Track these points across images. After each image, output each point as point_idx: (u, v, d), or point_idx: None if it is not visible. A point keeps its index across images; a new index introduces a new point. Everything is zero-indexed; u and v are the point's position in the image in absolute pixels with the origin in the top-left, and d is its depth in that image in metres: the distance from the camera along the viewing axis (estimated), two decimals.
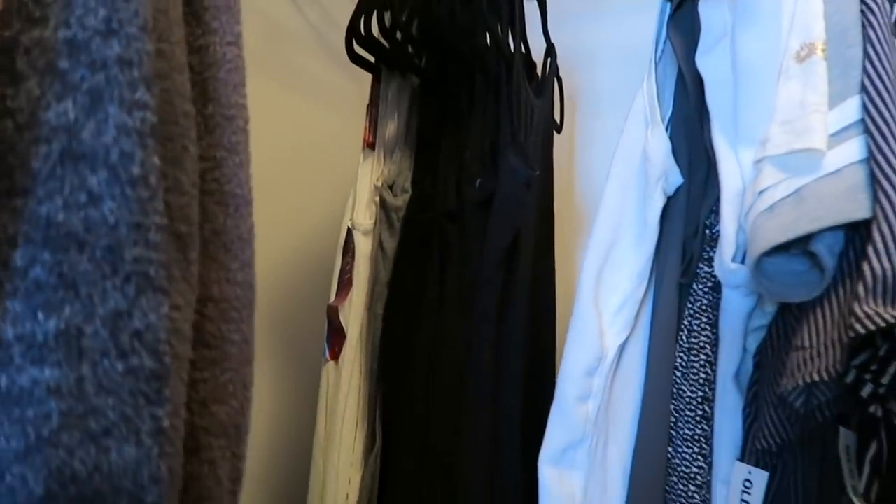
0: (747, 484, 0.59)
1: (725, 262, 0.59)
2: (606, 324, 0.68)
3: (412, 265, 0.93)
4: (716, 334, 0.63)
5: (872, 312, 0.45)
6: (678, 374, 0.65)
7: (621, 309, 0.68)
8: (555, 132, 1.08)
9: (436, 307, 0.92)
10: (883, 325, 0.45)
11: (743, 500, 0.59)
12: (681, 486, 0.63)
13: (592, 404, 0.68)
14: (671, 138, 0.70)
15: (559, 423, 0.69)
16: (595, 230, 0.71)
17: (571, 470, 0.68)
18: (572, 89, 1.20)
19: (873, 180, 0.50)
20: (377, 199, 0.95)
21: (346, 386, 0.94)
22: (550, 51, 1.04)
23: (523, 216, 0.92)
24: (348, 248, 0.97)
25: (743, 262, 0.58)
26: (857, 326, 0.45)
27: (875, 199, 0.49)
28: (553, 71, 1.04)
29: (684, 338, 0.65)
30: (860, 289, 0.46)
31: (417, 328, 0.92)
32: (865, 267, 0.46)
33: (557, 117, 1.13)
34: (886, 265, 0.46)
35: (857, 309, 0.46)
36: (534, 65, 1.05)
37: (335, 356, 0.95)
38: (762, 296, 0.61)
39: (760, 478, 0.58)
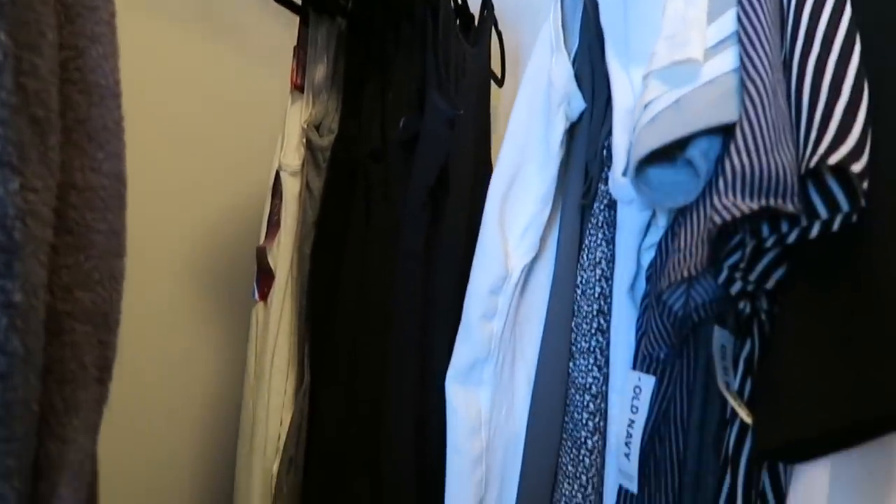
0: (637, 390, 0.61)
1: (617, 176, 0.61)
2: (512, 246, 0.70)
3: (338, 205, 0.94)
4: (612, 250, 0.65)
5: (730, 204, 0.47)
6: (578, 291, 0.67)
7: (526, 232, 0.70)
8: (496, 84, 1.09)
9: (361, 246, 0.93)
10: (738, 215, 0.47)
11: (633, 406, 0.61)
12: (577, 397, 0.65)
13: (497, 323, 0.70)
14: (576, 64, 0.71)
15: (465, 340, 0.71)
16: (501, 155, 0.73)
17: (478, 387, 0.70)
18: (518, 44, 1.21)
19: (742, 86, 0.52)
20: (304, 140, 0.95)
21: (274, 326, 0.95)
22: (487, 2, 1.05)
23: (449, 155, 0.93)
24: (276, 190, 0.98)
25: None
26: (716, 217, 0.47)
27: (741, 103, 0.51)
28: (489, 20, 1.05)
29: (584, 256, 0.67)
30: (720, 183, 0.48)
31: (344, 267, 0.94)
32: (726, 163, 0.48)
33: (499, 71, 1.15)
34: (745, 160, 0.48)
35: (716, 202, 0.48)
36: (471, 16, 1.06)
37: (264, 297, 0.96)
38: (655, 211, 0.63)
39: (648, 383, 0.60)
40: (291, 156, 0.96)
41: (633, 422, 0.61)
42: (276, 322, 0.96)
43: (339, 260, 0.94)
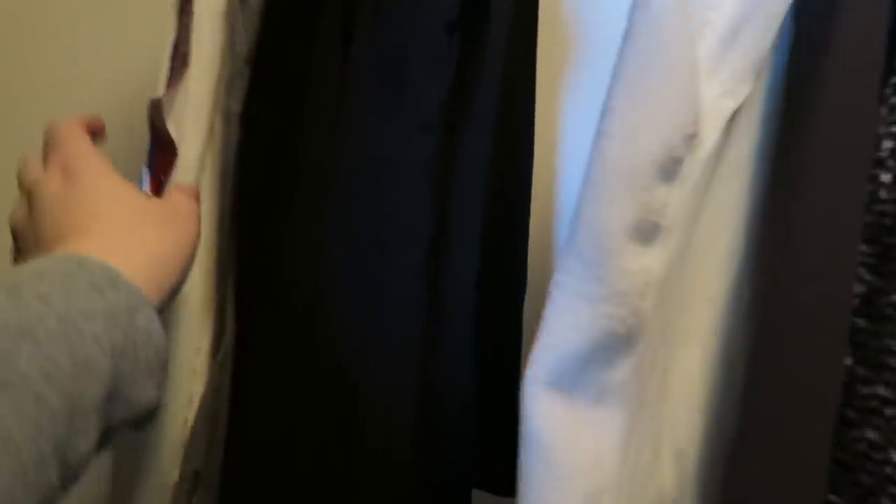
0: None
1: None
2: (709, 65, 0.29)
3: (293, 25, 0.52)
4: None
5: None
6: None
7: (742, 27, 0.29)
8: None
9: (333, 104, 0.52)
10: None
11: None
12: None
13: (659, 254, 0.30)
14: None
15: (581, 296, 0.31)
16: None
17: (601, 401, 0.30)
18: None
19: None
20: None
21: None
22: None
23: None
24: (186, 7, 0.54)
25: None
26: None
27: None
28: None
29: None
30: None
31: (302, 139, 0.52)
32: None
33: None
34: None
35: None
36: None
37: (158, 187, 0.54)
38: None
39: None
40: None
41: None
42: None
43: (292, 126, 0.52)
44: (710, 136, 0.30)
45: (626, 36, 0.31)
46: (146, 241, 0.39)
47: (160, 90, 0.54)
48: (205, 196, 0.53)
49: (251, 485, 0.52)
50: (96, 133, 0.48)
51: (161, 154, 0.55)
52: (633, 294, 0.30)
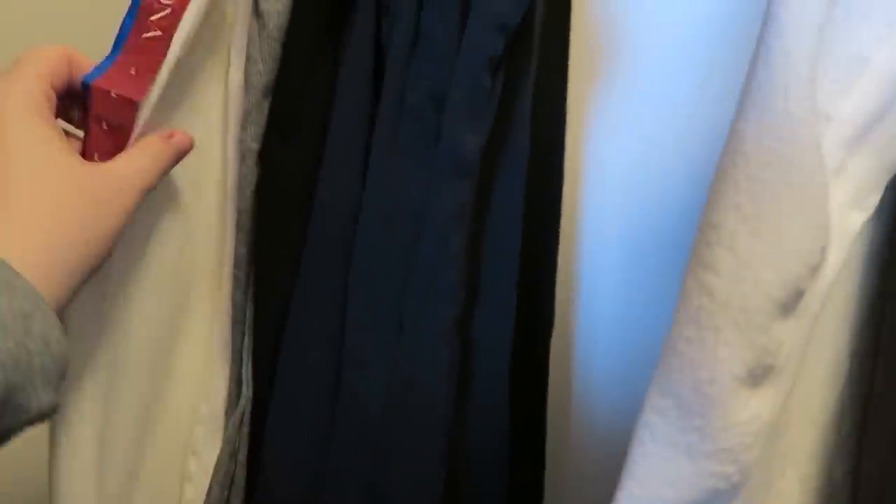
0: None
1: None
2: (835, 173, 0.25)
3: (318, 59, 0.46)
4: None
5: None
6: None
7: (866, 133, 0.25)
8: None
9: (361, 145, 0.47)
10: None
11: None
12: None
13: (771, 398, 0.26)
14: None
15: (678, 453, 0.27)
16: None
17: None
18: None
19: None
20: None
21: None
22: None
23: None
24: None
25: None
26: None
27: None
28: None
29: None
30: None
31: (325, 181, 0.47)
32: None
33: None
34: None
35: None
36: None
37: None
38: None
39: None
40: None
41: None
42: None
43: (315, 167, 0.47)
44: (835, 260, 0.26)
45: (732, 153, 0.27)
46: (58, 223, 0.36)
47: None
48: (218, 243, 0.49)
49: None
50: (76, 68, 0.42)
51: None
52: (742, 449, 0.26)
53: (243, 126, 0.47)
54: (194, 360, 0.49)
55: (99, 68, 0.43)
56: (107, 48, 0.44)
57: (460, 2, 0.45)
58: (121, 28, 0.44)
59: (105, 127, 0.43)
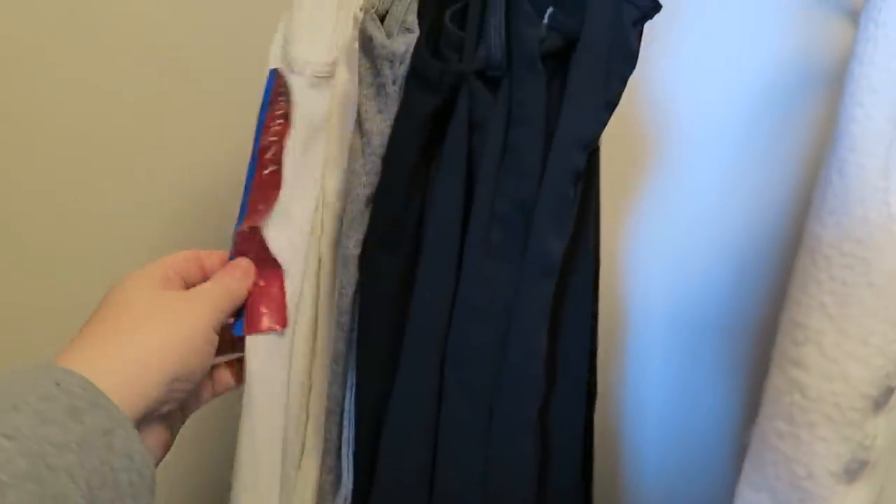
0: None
1: None
2: None
3: (417, 171, 0.51)
4: None
5: None
6: None
7: None
8: None
9: (453, 249, 0.50)
10: None
11: None
12: None
13: (866, 493, 0.27)
14: None
15: None
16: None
17: None
18: None
19: None
20: (358, 34, 0.51)
21: (291, 373, 0.53)
22: None
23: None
24: (277, 106, 0.54)
25: None
26: None
27: None
28: None
29: None
30: None
31: (419, 283, 0.50)
32: None
33: None
34: None
35: None
36: None
37: (258, 325, 0.52)
38: None
39: None
40: (318, 50, 0.52)
41: None
42: (291, 367, 0.53)
43: (410, 271, 0.51)
44: None
45: (812, 255, 0.29)
46: (138, 339, 0.39)
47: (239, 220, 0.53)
48: (315, 341, 0.52)
49: None
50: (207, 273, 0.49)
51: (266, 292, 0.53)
52: None
53: (346, 234, 0.51)
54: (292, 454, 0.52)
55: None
56: None
57: (545, 119, 0.49)
58: (247, 173, 0.51)
59: None
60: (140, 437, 0.35)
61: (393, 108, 0.49)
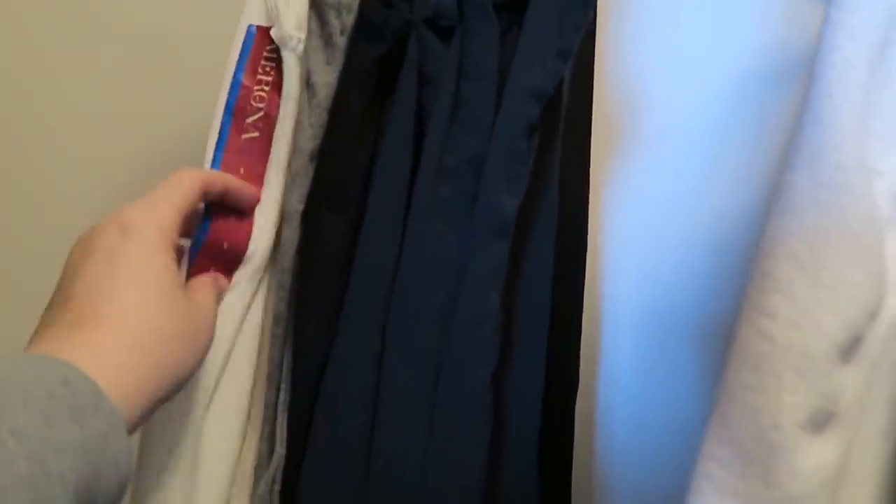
0: None
1: None
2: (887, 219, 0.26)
3: (363, 127, 0.49)
4: None
5: None
6: None
7: None
8: None
9: (400, 209, 0.48)
10: None
11: None
12: None
13: (834, 446, 0.27)
14: None
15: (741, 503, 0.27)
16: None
17: None
18: None
19: None
20: None
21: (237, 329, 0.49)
22: None
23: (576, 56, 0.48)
24: (262, 70, 0.50)
25: None
26: None
27: None
28: None
29: None
30: None
31: (364, 244, 0.48)
32: None
33: None
34: None
35: None
36: None
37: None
38: None
39: None
40: (292, 19, 0.49)
41: None
42: (238, 324, 0.50)
43: (356, 229, 0.49)
44: (893, 305, 0.27)
45: (784, 204, 0.28)
46: (148, 343, 0.37)
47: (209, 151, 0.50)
48: (259, 300, 0.49)
49: None
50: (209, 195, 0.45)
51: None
52: (807, 498, 0.26)
53: (289, 188, 0.48)
54: (230, 421, 0.49)
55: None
56: None
57: (497, 72, 0.48)
58: (220, 130, 0.47)
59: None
60: (129, 445, 0.34)
61: (341, 60, 0.47)
